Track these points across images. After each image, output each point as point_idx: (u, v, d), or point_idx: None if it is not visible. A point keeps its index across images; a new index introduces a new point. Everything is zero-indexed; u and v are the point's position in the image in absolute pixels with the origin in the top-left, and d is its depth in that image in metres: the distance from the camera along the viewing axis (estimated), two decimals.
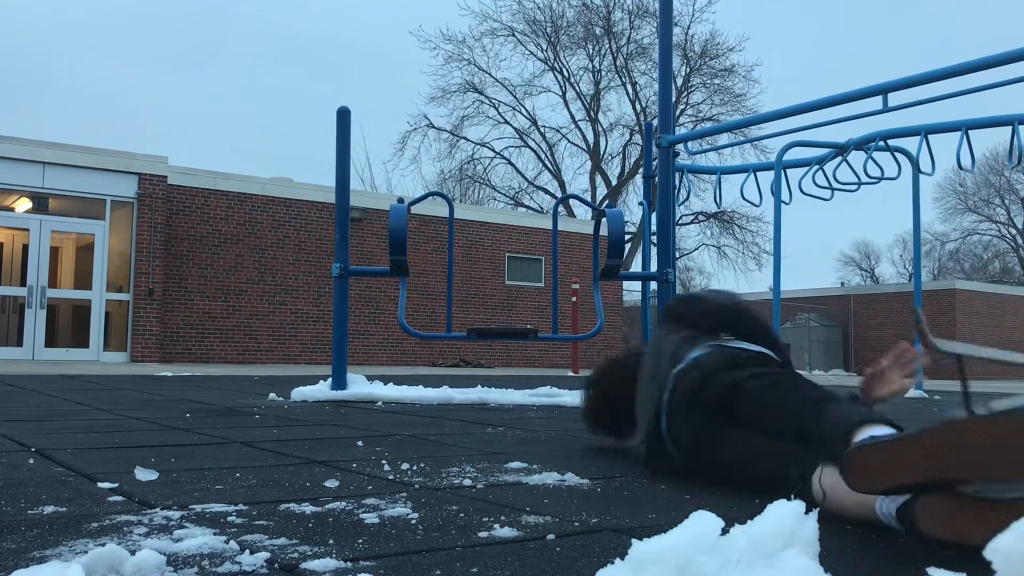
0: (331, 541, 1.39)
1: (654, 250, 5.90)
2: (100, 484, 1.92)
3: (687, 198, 8.94)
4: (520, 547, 1.38)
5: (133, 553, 1.17)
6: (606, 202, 24.95)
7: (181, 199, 15.14)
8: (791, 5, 59.06)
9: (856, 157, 8.04)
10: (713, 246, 31.21)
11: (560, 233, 17.80)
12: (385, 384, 5.69)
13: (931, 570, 1.06)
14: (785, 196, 7.97)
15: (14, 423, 3.38)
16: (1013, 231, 42.82)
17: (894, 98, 5.10)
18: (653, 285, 5.89)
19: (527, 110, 31.23)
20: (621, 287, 20.70)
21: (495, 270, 18.80)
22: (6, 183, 13.53)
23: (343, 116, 5.59)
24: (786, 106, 5.38)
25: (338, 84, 57.46)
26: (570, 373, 12.50)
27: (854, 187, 8.22)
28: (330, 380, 5.48)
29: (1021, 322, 26.28)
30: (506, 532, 1.48)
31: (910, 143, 8.04)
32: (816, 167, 8.20)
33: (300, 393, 5.29)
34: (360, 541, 1.40)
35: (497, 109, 30.60)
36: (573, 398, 5.48)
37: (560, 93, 30.84)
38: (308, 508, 1.68)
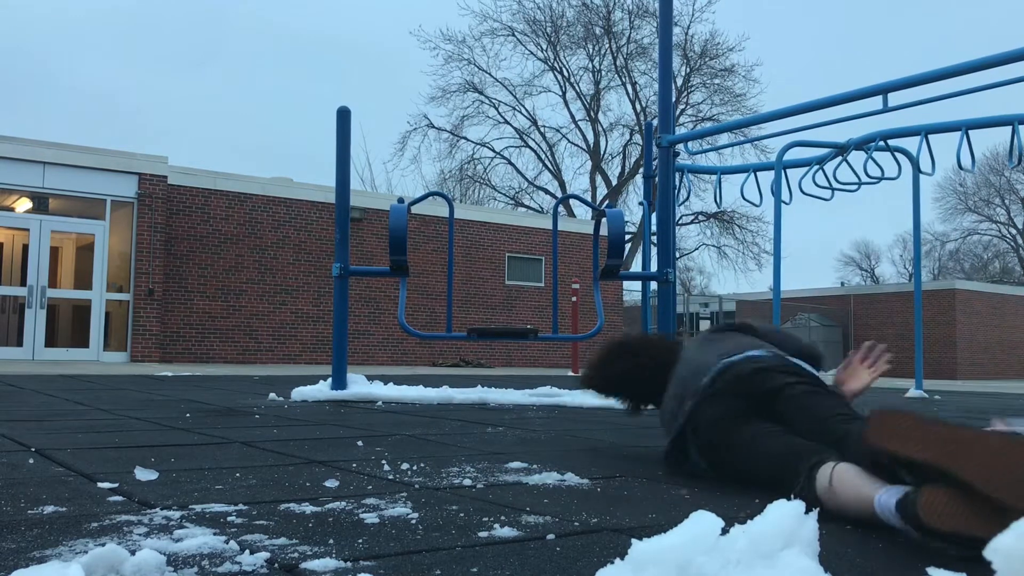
0: (331, 541, 1.39)
1: (654, 250, 5.90)
2: (100, 484, 1.92)
3: (687, 198, 8.94)
4: (520, 547, 1.38)
5: (133, 553, 1.17)
6: (606, 202, 24.91)
7: (181, 199, 15.13)
8: (791, 5, 59.09)
9: (856, 157, 8.04)
10: (713, 246, 31.18)
11: (560, 233, 17.79)
12: (385, 384, 5.69)
13: (931, 570, 1.06)
14: (785, 196, 7.97)
15: (14, 423, 3.38)
16: (1013, 231, 42.81)
17: (894, 98, 5.11)
18: (653, 285, 5.89)
19: (527, 110, 31.21)
20: (621, 287, 20.68)
21: (495, 270, 18.79)
22: (6, 183, 13.52)
23: (343, 116, 5.59)
24: (786, 106, 5.38)
25: (338, 84, 57.45)
26: (570, 373, 12.50)
27: (854, 187, 8.22)
28: (330, 380, 5.48)
29: (1021, 322, 26.28)
30: (506, 532, 1.48)
31: (910, 143, 8.05)
32: (816, 167, 8.20)
33: (300, 393, 5.29)
34: (360, 541, 1.40)
35: (497, 109, 30.58)
36: (573, 398, 5.48)
37: (560, 93, 30.84)
38: (308, 508, 1.68)
